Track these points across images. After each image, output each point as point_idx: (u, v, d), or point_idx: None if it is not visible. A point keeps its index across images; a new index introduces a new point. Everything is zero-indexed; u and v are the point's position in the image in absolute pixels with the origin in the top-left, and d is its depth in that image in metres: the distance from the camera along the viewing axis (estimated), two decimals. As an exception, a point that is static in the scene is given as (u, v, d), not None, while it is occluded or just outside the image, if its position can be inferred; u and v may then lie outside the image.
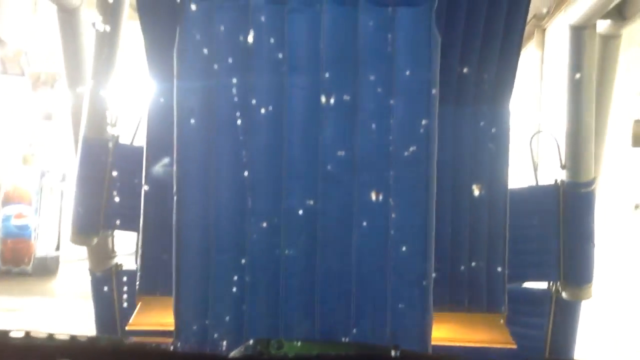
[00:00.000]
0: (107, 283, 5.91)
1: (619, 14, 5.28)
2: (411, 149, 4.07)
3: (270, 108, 4.11)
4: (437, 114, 4.08)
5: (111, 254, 5.98)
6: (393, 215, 4.15)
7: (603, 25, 5.51)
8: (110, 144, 5.51)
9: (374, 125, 4.11)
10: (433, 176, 4.11)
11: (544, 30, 14.25)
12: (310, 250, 4.20)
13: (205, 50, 4.09)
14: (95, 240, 5.69)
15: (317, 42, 4.08)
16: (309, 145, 4.15)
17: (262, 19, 4.07)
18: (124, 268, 5.93)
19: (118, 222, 5.68)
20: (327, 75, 4.08)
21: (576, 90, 5.46)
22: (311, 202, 4.15)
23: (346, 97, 4.09)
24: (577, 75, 5.42)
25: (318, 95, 4.09)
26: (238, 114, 4.12)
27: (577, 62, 5.42)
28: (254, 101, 4.11)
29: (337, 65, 4.10)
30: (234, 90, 4.11)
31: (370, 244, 4.21)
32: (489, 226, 5.15)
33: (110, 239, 5.95)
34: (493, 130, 5.00)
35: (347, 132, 4.12)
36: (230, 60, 4.11)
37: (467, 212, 5.10)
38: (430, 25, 4.02)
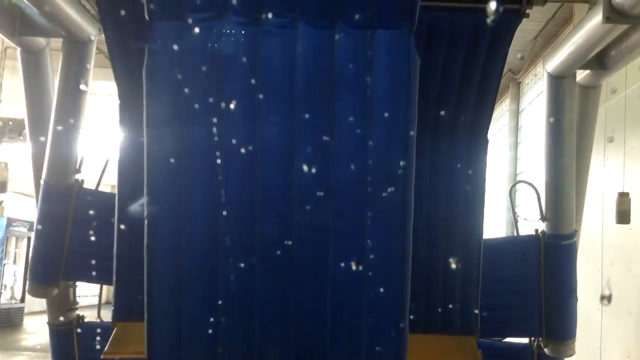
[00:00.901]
0: (67, 338, 5.59)
1: (600, 64, 5.20)
2: (388, 188, 3.93)
3: (244, 138, 3.94)
4: (414, 145, 3.95)
5: (72, 305, 5.67)
6: (369, 242, 4.00)
7: (582, 75, 5.43)
8: (73, 190, 5.25)
9: (350, 154, 3.97)
10: (410, 201, 3.98)
11: (519, 83, 14.34)
12: (284, 276, 4.06)
13: (175, 73, 3.88)
14: (54, 292, 5.39)
15: (292, 67, 3.92)
16: (284, 174, 4.00)
17: (235, 41, 3.92)
18: (87, 320, 5.64)
19: (80, 272, 5.40)
20: (303, 102, 3.94)
21: (556, 139, 5.35)
22: (285, 230, 4.00)
23: (322, 127, 3.96)
24: (556, 124, 5.31)
25: (293, 122, 3.95)
26: (211, 144, 3.93)
27: (557, 111, 5.32)
28: (227, 132, 3.93)
29: (314, 91, 3.96)
30: (206, 119, 3.91)
31: (347, 278, 4.05)
32: (464, 245, 5.01)
33: (71, 290, 5.65)
34: (469, 171, 4.90)
35: (323, 161, 3.98)
36: (201, 86, 3.92)
37: (443, 244, 4.97)
38: (409, 48, 3.88)
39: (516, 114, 14.52)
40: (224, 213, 3.95)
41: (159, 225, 3.96)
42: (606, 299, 6.41)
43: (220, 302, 4.02)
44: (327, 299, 4.08)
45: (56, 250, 5.27)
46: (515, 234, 5.87)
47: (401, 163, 3.90)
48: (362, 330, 4.10)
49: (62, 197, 5.23)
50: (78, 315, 5.66)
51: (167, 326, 4.09)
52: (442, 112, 4.80)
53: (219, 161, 3.95)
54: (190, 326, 4.06)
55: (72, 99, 5.11)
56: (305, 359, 4.15)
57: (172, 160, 3.91)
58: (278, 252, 4.00)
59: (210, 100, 3.90)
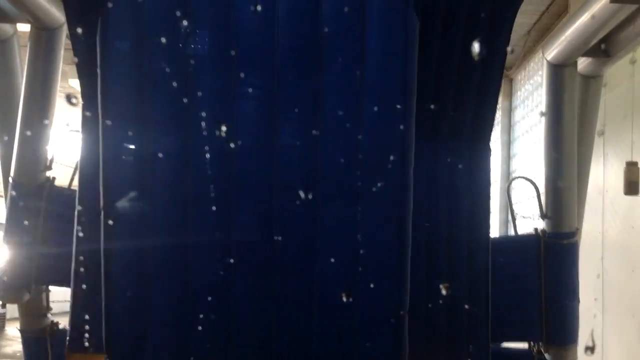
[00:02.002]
0: (40, 345, 5.27)
1: (603, 52, 4.91)
2: (383, 173, 3.54)
3: (215, 111, 3.53)
4: (413, 123, 3.56)
5: (45, 311, 5.34)
6: (361, 235, 3.63)
7: (584, 64, 5.14)
8: (44, 189, 4.92)
9: (338, 130, 3.57)
10: (409, 161, 3.59)
11: (511, 80, 14.12)
12: (265, 278, 3.68)
13: (134, 40, 3.46)
14: (26, 297, 5.06)
15: (270, 31, 3.48)
16: (263, 157, 3.59)
17: (203, 5, 3.48)
18: (61, 327, 5.28)
19: (53, 276, 5.06)
20: (283, 73, 3.51)
21: (556, 132, 5.07)
22: (265, 221, 3.61)
23: (307, 101, 3.54)
24: (556, 116, 5.03)
25: (273, 97, 3.52)
26: (176, 123, 3.53)
27: (557, 102, 5.03)
28: (195, 108, 3.51)
29: (296, 59, 3.54)
30: (170, 93, 3.48)
31: (335, 270, 3.69)
32: (469, 275, 4.66)
33: (44, 295, 5.32)
34: (471, 170, 4.52)
35: (308, 140, 3.56)
36: (164, 54, 3.47)
37: (445, 260, 4.59)
38: (406, 6, 3.49)
39: (509, 111, 14.34)
40: (194, 203, 3.59)
41: (117, 221, 3.58)
42: (590, 350, 5.95)
43: (192, 307, 3.68)
44: (313, 300, 3.73)
45: (27, 252, 4.95)
46: (512, 233, 5.56)
47: (398, 144, 3.52)
48: (353, 337, 3.77)
49: (32, 197, 4.90)
50: (52, 321, 5.33)
51: (129, 343, 3.77)
52: (439, 116, 4.39)
53: (186, 143, 3.54)
54: (157, 339, 3.72)
55: (41, 90, 4.77)
56: (287, 354, 3.81)
57: (130, 145, 3.51)
58: (257, 248, 3.63)
59: (174, 71, 3.47)
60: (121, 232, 3.64)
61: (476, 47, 4.00)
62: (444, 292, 4.41)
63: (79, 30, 3.83)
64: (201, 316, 3.69)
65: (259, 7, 3.47)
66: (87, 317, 4.33)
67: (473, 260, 4.60)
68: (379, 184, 3.56)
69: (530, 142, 11.79)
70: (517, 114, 13.49)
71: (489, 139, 4.49)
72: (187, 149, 3.55)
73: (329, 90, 3.54)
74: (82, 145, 4.17)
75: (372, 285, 3.69)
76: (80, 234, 4.19)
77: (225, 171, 3.57)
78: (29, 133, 4.80)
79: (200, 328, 3.69)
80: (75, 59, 3.86)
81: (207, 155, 3.56)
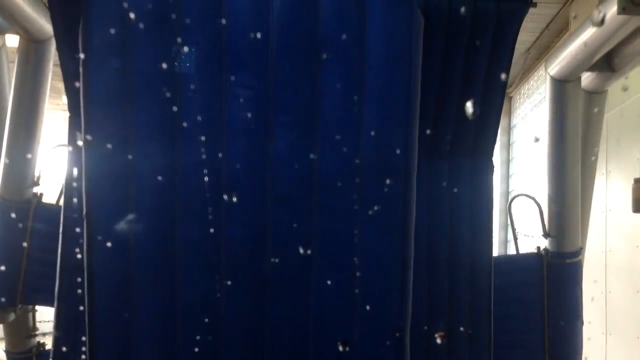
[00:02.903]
0: None
1: (607, 66, 4.78)
2: (384, 180, 3.34)
3: (203, 116, 3.31)
4: (416, 127, 3.38)
5: (32, 332, 5.17)
6: (360, 248, 3.43)
7: (588, 79, 5.01)
8: (31, 206, 4.76)
9: (338, 136, 3.36)
10: (412, 176, 3.41)
11: (511, 98, 14.04)
12: (257, 292, 3.49)
13: (117, 36, 3.24)
14: (12, 317, 4.89)
15: (265, 27, 3.27)
16: (255, 160, 3.37)
17: (192, 9, 3.25)
18: (48, 348, 5.05)
19: (40, 295, 4.90)
20: (278, 72, 3.30)
21: (559, 149, 4.92)
22: (258, 234, 3.41)
23: (302, 103, 3.35)
24: (560, 132, 4.88)
25: (267, 98, 3.32)
26: (163, 123, 3.32)
27: (560, 118, 4.88)
28: (184, 109, 3.31)
29: (292, 58, 3.32)
30: (156, 93, 3.27)
31: (333, 286, 3.50)
32: (471, 297, 4.48)
33: (30, 315, 5.14)
34: (473, 187, 4.36)
35: (304, 143, 3.37)
36: (150, 52, 3.26)
37: (445, 281, 4.42)
38: (410, 4, 3.29)
39: (508, 129, 14.25)
40: (182, 215, 3.40)
41: (101, 237, 3.41)
42: None
43: (180, 325, 3.51)
44: (309, 318, 3.56)
45: (13, 270, 4.78)
46: (513, 253, 5.41)
47: (400, 150, 3.35)
48: (352, 337, 3.59)
49: (18, 213, 4.74)
50: (38, 342, 5.16)
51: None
52: (440, 131, 4.23)
53: (173, 145, 3.33)
54: (143, 357, 3.55)
55: (29, 104, 4.62)
56: None
57: (110, 145, 3.29)
58: (249, 263, 3.45)
59: (162, 69, 3.24)
60: (106, 248, 3.48)
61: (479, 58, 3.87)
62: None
63: (66, 42, 3.69)
64: (189, 334, 3.54)
65: (251, 3, 3.27)
66: (71, 337, 4.17)
67: (475, 281, 4.45)
68: (378, 192, 3.38)
69: (530, 161, 11.67)
70: (516, 132, 13.37)
71: (491, 155, 4.34)
72: (174, 157, 3.36)
73: (326, 94, 3.35)
74: (68, 160, 4.03)
75: (371, 303, 3.53)
76: (65, 252, 4.05)
77: (214, 177, 3.38)
78: (16, 147, 4.64)
79: (188, 346, 3.53)
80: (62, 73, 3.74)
81: (196, 164, 3.36)
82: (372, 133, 3.32)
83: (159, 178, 3.35)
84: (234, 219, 3.37)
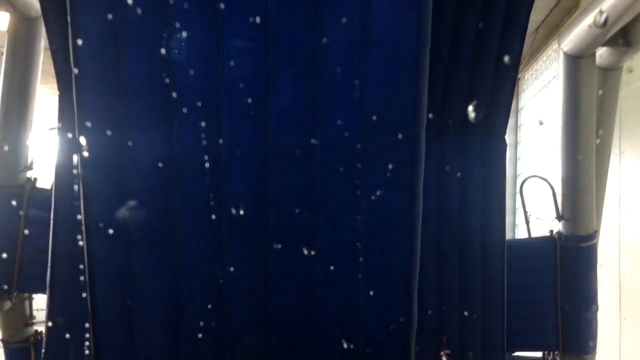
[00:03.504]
0: (24, 357, 4.96)
1: (624, 40, 4.57)
2: (394, 137, 3.09)
3: (199, 69, 3.10)
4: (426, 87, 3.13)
5: (29, 321, 5.03)
6: (365, 202, 3.24)
7: (602, 55, 4.80)
8: (25, 191, 4.60)
9: (341, 91, 3.13)
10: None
11: (519, 79, 13.83)
12: (260, 251, 3.32)
13: (107, 13, 3.00)
14: (7, 305, 4.74)
15: None
16: (256, 116, 3.16)
17: None
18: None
19: (36, 282, 4.75)
20: (278, 23, 3.05)
21: (573, 128, 4.72)
22: (259, 191, 3.23)
23: (305, 57, 3.10)
24: (574, 111, 4.69)
25: (267, 51, 3.07)
26: (155, 78, 3.09)
27: (574, 96, 4.68)
28: (178, 63, 3.09)
29: (291, 8, 3.07)
30: (148, 47, 3.05)
31: (338, 243, 3.34)
32: (484, 280, 4.31)
33: (27, 303, 5.00)
34: (485, 166, 4.16)
35: (307, 96, 3.15)
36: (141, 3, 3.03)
37: (457, 265, 4.24)
38: None
39: (515, 112, 14.05)
40: (181, 173, 3.20)
41: (99, 214, 3.27)
42: None
43: (180, 284, 3.37)
44: (313, 276, 3.39)
45: (8, 258, 4.63)
46: (523, 237, 5.24)
47: (408, 106, 3.09)
48: (358, 293, 3.42)
49: (12, 198, 4.58)
50: (36, 331, 5.00)
51: (118, 347, 3.47)
52: (451, 109, 4.07)
53: (169, 100, 3.12)
54: (146, 336, 3.44)
55: (20, 84, 4.45)
56: (286, 328, 3.50)
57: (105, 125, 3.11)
58: (249, 218, 3.25)
59: (153, 20, 3.04)
60: (107, 235, 3.33)
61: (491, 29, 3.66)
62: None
63: (53, 16, 3.51)
64: (192, 289, 3.42)
65: None
66: (64, 325, 4.03)
67: (487, 265, 4.28)
68: (385, 155, 3.18)
69: (537, 144, 11.47)
70: (524, 115, 13.16)
71: (503, 133, 4.15)
72: (170, 109, 3.14)
73: (330, 44, 3.10)
74: (58, 143, 3.86)
75: (377, 261, 3.36)
76: (56, 239, 3.90)
77: (211, 138, 3.17)
78: (8, 131, 4.48)
79: (192, 297, 3.43)
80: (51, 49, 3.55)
81: (193, 117, 3.16)
82: (379, 88, 3.10)
83: (157, 141, 3.19)
84: (234, 176, 3.18)
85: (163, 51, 3.10)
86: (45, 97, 4.55)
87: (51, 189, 4.61)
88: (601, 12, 4.06)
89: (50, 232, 3.98)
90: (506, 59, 3.96)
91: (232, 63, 3.07)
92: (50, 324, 4.14)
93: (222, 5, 3.02)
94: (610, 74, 4.97)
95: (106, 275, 3.40)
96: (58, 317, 4.10)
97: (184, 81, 3.11)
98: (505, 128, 4.15)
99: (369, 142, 3.17)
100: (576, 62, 4.66)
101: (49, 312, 4.12)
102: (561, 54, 4.71)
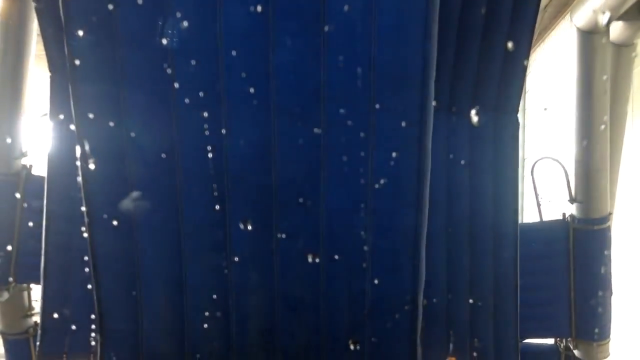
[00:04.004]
0: (23, 348, 4.85)
1: (639, 14, 4.38)
2: (402, 90, 2.95)
3: (195, 22, 2.95)
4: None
5: (28, 312, 4.91)
6: (372, 158, 3.10)
7: (616, 31, 4.61)
8: (20, 178, 4.47)
9: (346, 44, 2.97)
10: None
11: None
12: (264, 211, 3.20)
13: None
14: (5, 296, 4.63)
15: None
16: (256, 69, 3.01)
17: None
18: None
19: (34, 272, 4.63)
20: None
21: (587, 106, 4.54)
22: (262, 150, 3.09)
23: (307, 3, 2.93)
24: (587, 89, 4.51)
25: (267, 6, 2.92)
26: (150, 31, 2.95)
27: (588, 73, 4.50)
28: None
29: None
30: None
31: (343, 204, 3.22)
32: (495, 268, 4.16)
33: (25, 294, 4.88)
34: (497, 145, 4.00)
35: (309, 51, 2.99)
36: None
37: (467, 249, 4.10)
38: None
39: (522, 93, 13.74)
40: (180, 125, 3.07)
41: (101, 206, 3.18)
42: None
43: (183, 243, 3.27)
44: (319, 236, 3.25)
45: (5, 248, 4.51)
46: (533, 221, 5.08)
47: (415, 61, 2.91)
48: (364, 255, 3.30)
49: (7, 187, 4.45)
50: (35, 322, 4.89)
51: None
52: (461, 87, 3.89)
53: (165, 57, 2.97)
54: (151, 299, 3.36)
55: (12, 66, 4.30)
56: (291, 292, 3.39)
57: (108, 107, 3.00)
58: (253, 176, 3.12)
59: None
60: (110, 226, 3.27)
61: None
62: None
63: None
64: (195, 251, 3.33)
65: None
66: (59, 317, 3.93)
67: (499, 250, 4.11)
68: (394, 102, 3.01)
69: (544, 128, 11.28)
70: (530, 98, 12.94)
71: (516, 110, 3.97)
72: (167, 61, 3.00)
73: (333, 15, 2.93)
74: (51, 129, 3.73)
75: (387, 219, 3.24)
76: (49, 228, 3.79)
77: (211, 87, 3.02)
78: (1, 117, 4.34)
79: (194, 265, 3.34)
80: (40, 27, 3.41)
81: (190, 71, 3.01)
82: (385, 42, 2.93)
83: (156, 125, 3.09)
84: (235, 133, 3.04)
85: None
86: (40, 76, 4.38)
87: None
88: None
89: (44, 221, 3.86)
90: (518, 34, 3.78)
91: (230, 15, 2.92)
92: (44, 314, 4.03)
93: None
94: (624, 50, 4.78)
95: (111, 266, 3.35)
96: (52, 308, 3.98)
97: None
98: (518, 107, 3.97)
99: (375, 97, 3.01)
100: (589, 38, 4.47)
101: (43, 302, 4.00)
102: (574, 29, 4.52)
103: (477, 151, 3.97)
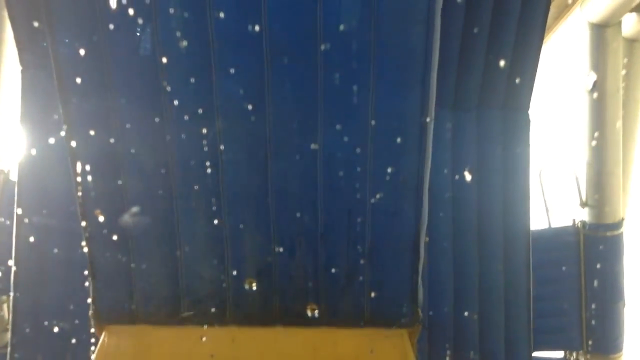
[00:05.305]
0: None
1: (653, 6, 4.12)
2: (406, 30, 2.66)
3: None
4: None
5: (7, 325, 4.68)
6: (373, 100, 2.82)
7: (628, 25, 4.34)
8: (-4, 184, 4.26)
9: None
10: None
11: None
12: (256, 149, 2.97)
13: None
14: (-20, 309, 4.43)
15: None
16: (247, 10, 2.81)
17: None
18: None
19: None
20: None
21: (598, 106, 4.27)
22: (256, 85, 2.85)
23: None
24: (599, 86, 4.24)
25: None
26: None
27: (598, 69, 4.23)
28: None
29: None
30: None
31: (342, 139, 2.95)
32: (506, 273, 3.90)
33: (5, 306, 4.66)
34: (506, 144, 3.73)
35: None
36: None
37: (476, 255, 3.83)
38: None
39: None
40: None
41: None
42: None
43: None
44: (317, 182, 3.01)
45: None
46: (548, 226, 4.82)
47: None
48: (365, 198, 3.04)
49: None
50: (13, 336, 4.66)
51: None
52: (468, 80, 3.64)
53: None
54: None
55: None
56: (288, 236, 3.15)
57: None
58: (246, 118, 2.86)
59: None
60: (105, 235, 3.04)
61: None
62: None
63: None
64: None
65: None
66: (30, 330, 3.70)
67: (510, 255, 3.84)
68: (395, 40, 2.69)
69: (549, 123, 11.04)
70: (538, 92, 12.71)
71: (527, 106, 3.69)
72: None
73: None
74: (22, 134, 3.48)
75: (385, 160, 2.95)
76: (20, 237, 3.55)
77: (201, 31, 2.78)
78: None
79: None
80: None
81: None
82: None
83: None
84: (227, 75, 2.82)
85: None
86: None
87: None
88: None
89: (14, 228, 3.61)
90: (530, 23, 3.51)
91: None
92: (14, 326, 3.78)
93: None
94: (636, 45, 4.50)
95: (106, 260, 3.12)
96: (24, 319, 3.74)
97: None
98: (530, 101, 3.69)
99: (377, 35, 2.73)
100: (601, 32, 4.21)
101: (13, 314, 3.76)
102: (585, 23, 4.25)
103: (485, 151, 3.70)
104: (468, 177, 3.76)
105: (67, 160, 2.91)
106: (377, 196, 3.00)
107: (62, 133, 2.86)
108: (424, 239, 3.05)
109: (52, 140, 3.34)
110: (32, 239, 3.57)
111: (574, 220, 4.54)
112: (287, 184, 3.01)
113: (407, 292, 3.12)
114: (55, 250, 3.49)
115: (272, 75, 2.83)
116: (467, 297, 3.89)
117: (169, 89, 2.82)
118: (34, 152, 3.47)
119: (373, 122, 2.88)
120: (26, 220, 3.52)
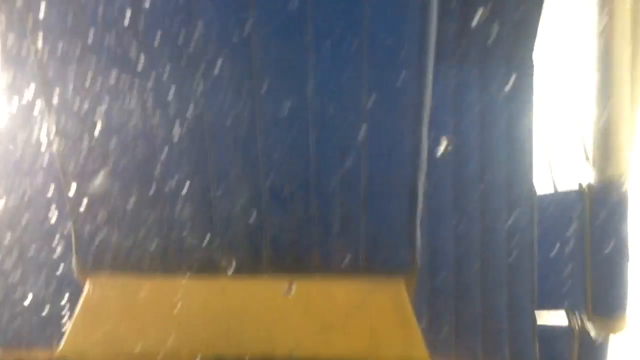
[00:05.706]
0: None
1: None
2: None
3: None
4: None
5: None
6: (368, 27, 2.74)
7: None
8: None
9: None
10: None
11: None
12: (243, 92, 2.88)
13: None
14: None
15: None
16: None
17: None
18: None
19: None
20: None
21: (605, 54, 4.15)
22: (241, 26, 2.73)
23: None
24: (606, 35, 4.11)
25: None
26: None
27: (606, 15, 4.11)
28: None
29: None
30: None
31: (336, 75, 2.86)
32: (508, 242, 3.83)
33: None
34: (509, 99, 3.67)
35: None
36: None
37: (478, 215, 3.79)
38: None
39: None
40: None
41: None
42: None
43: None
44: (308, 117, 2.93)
45: None
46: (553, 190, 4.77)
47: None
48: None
49: None
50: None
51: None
52: (468, 31, 3.58)
53: None
54: None
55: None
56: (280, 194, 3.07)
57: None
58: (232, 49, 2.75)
59: None
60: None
61: None
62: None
63: None
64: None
65: None
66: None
67: (514, 216, 3.83)
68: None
69: (555, 81, 10.96)
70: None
71: (530, 59, 3.62)
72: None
73: None
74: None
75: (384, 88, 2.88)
76: None
77: None
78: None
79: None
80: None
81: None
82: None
83: None
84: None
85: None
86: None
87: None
88: None
89: None
90: None
91: None
92: None
93: None
94: (645, -4, 4.38)
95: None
96: None
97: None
98: (532, 52, 3.62)
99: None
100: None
101: None
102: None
103: (488, 101, 3.64)
104: (470, 132, 3.72)
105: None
106: (373, 135, 2.87)
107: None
108: (422, 181, 2.97)
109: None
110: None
111: (579, 184, 4.49)
112: (276, 127, 2.89)
113: (405, 237, 3.06)
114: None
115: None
116: (469, 261, 3.87)
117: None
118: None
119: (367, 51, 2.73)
120: None
